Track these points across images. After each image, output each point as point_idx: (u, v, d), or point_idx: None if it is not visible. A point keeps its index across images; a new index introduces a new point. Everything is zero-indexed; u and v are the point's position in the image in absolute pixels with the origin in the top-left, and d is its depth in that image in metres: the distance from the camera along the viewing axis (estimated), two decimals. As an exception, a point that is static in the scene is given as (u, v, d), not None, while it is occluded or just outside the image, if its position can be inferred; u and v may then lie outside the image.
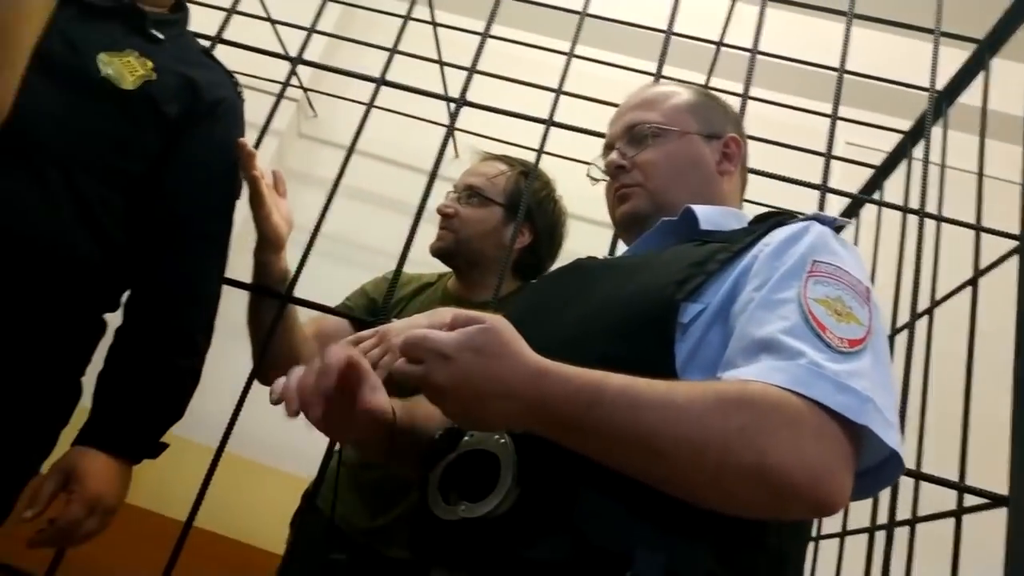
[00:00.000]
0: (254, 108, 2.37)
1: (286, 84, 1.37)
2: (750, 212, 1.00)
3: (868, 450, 0.67)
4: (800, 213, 0.90)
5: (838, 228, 0.84)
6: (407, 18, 1.39)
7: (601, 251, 1.20)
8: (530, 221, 1.45)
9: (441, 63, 2.21)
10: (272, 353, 1.26)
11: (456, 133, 2.28)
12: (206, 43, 1.39)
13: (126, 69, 1.06)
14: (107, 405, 1.07)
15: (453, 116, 1.34)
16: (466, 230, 1.44)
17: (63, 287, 1.04)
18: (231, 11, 1.42)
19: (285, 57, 1.45)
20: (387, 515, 1.33)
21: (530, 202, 1.35)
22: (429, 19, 2.06)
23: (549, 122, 1.32)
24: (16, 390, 1.00)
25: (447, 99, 1.42)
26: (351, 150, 1.32)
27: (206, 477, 1.19)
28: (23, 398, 1.01)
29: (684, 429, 0.62)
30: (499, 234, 1.41)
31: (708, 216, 0.92)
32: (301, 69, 2.46)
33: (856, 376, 0.66)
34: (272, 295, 1.25)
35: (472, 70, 1.35)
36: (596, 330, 0.78)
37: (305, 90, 2.55)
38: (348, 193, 2.25)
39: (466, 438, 0.75)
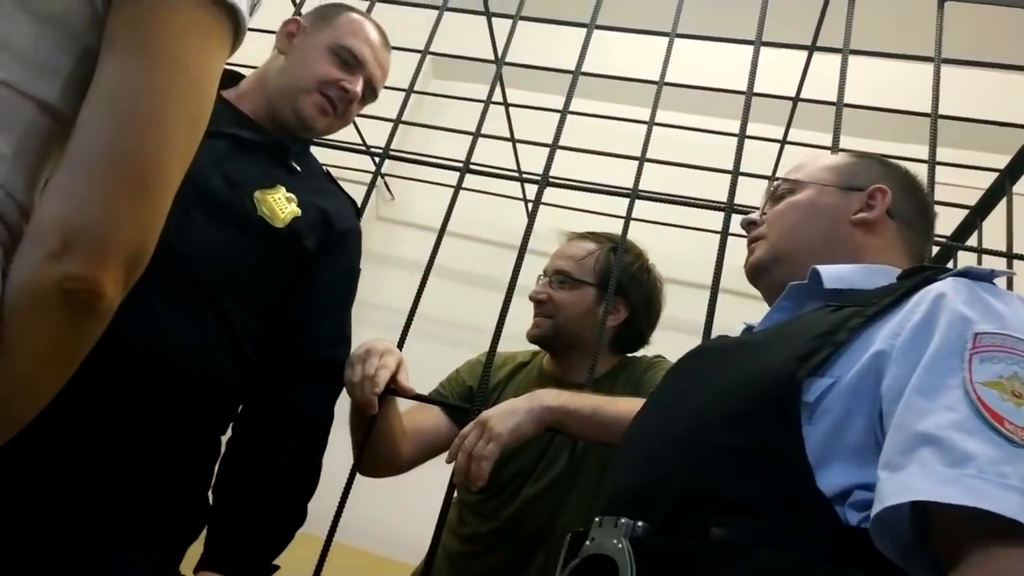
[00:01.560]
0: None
1: (375, 178, 1.42)
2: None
3: None
4: (949, 268, 0.80)
5: (994, 279, 0.73)
6: (488, 102, 1.43)
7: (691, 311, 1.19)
8: (623, 295, 1.44)
9: (514, 141, 2.25)
10: (371, 449, 1.27)
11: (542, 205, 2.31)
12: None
13: (277, 207, 1.11)
14: (230, 528, 1.08)
15: (538, 194, 1.35)
16: (561, 314, 1.44)
17: (209, 411, 1.07)
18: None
19: (374, 153, 1.51)
20: None
21: (621, 277, 1.35)
22: (502, 100, 2.11)
23: (635, 193, 1.32)
24: (153, 510, 1.01)
25: (531, 180, 1.44)
26: (442, 233, 1.35)
27: (317, 567, 1.19)
28: (160, 518, 1.02)
29: None
30: (594, 314, 1.40)
31: (838, 275, 0.84)
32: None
33: None
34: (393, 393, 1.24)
35: (555, 145, 1.37)
36: (713, 418, 0.73)
37: (383, 176, 2.64)
38: (433, 272, 2.29)
39: (587, 543, 0.73)
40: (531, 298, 1.47)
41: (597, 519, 0.73)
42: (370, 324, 1.51)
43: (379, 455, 1.32)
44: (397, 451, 1.35)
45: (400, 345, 1.29)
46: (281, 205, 1.12)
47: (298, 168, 1.18)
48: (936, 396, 0.60)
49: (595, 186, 1.38)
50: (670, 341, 1.84)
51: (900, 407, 0.62)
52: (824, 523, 0.61)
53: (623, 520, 0.69)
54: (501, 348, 1.57)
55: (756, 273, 0.96)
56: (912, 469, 0.57)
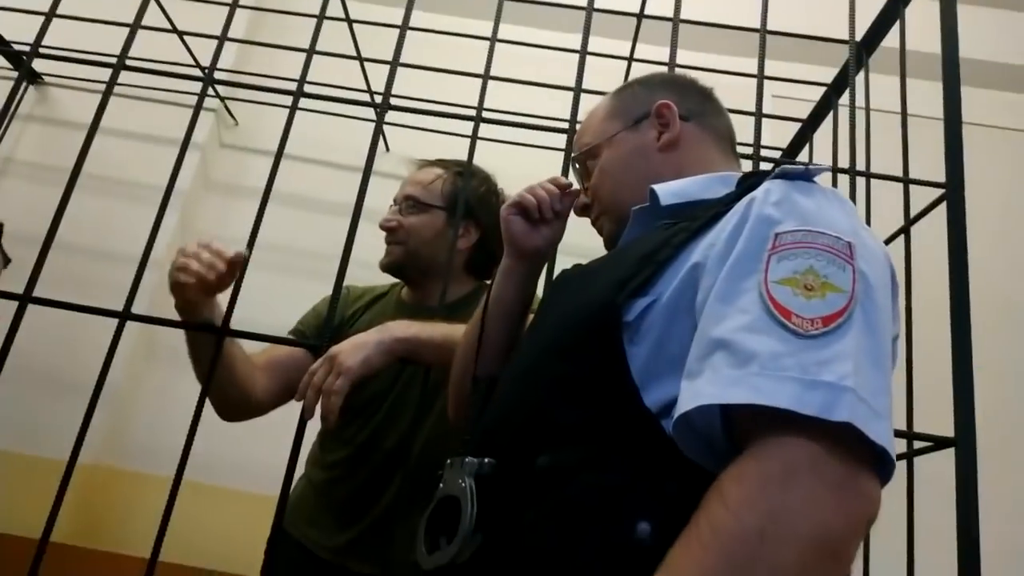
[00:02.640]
0: (170, 122, 2.31)
1: (200, 101, 1.31)
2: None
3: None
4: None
5: (812, 177, 0.73)
6: (321, 17, 1.34)
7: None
8: (473, 218, 1.44)
9: (361, 59, 2.15)
10: (220, 387, 1.24)
11: (386, 127, 2.24)
12: (108, 68, 1.32)
13: None
14: None
15: (379, 118, 1.30)
16: (412, 240, 1.44)
17: None
18: (135, 26, 1.35)
19: (199, 77, 1.39)
20: (353, 529, 1.32)
21: (470, 199, 1.36)
22: (343, 16, 1.99)
23: (478, 118, 1.30)
24: None
25: (373, 104, 1.38)
26: (277, 160, 1.27)
27: (167, 505, 1.15)
28: None
29: None
30: (445, 238, 1.40)
31: (674, 190, 0.84)
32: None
33: (832, 363, 0.56)
34: (208, 330, 1.20)
35: (395, 63, 1.31)
36: (547, 352, 0.75)
37: (222, 99, 2.46)
38: (281, 200, 2.19)
39: (440, 486, 0.74)
40: (381, 226, 1.46)
41: (448, 460, 0.75)
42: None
43: (228, 395, 1.29)
44: (248, 389, 1.31)
45: (241, 277, 1.23)
46: None
47: None
48: (733, 300, 0.62)
49: (438, 108, 1.33)
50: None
51: (703, 316, 0.64)
52: (649, 440, 0.63)
53: (468, 459, 0.71)
54: (358, 280, 1.55)
55: (611, 244, 0.95)
56: (705, 375, 0.59)
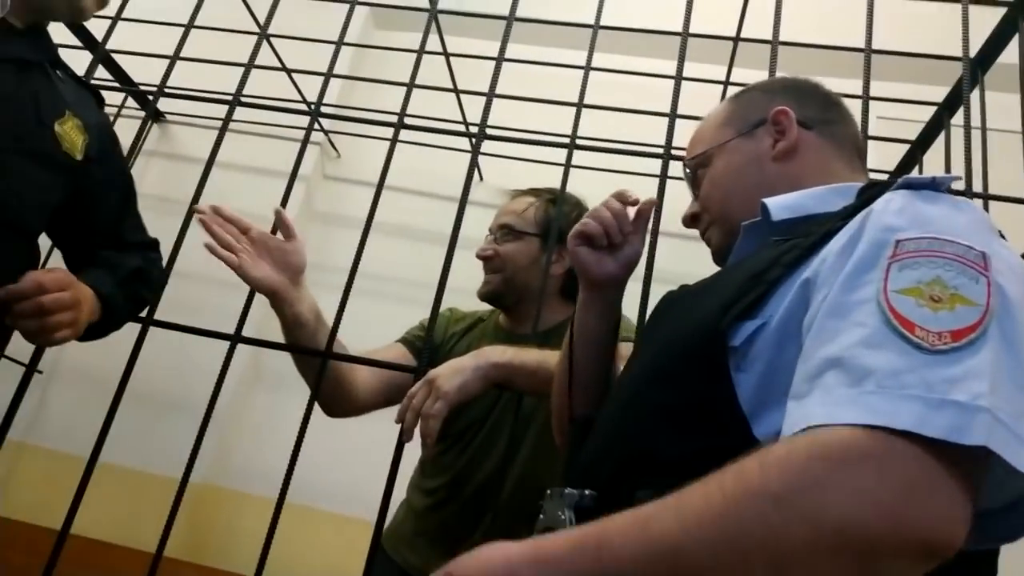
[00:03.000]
0: (278, 156, 2.43)
1: (308, 135, 1.38)
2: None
3: (1001, 477, 0.50)
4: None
5: (940, 187, 0.65)
6: (421, 52, 1.39)
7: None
8: (566, 244, 1.43)
9: (457, 91, 2.21)
10: (326, 385, 1.29)
11: (481, 157, 2.28)
12: (225, 104, 1.40)
13: (74, 138, 1.13)
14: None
15: (475, 148, 1.33)
16: (509, 267, 1.46)
17: None
18: (249, 65, 1.44)
19: (306, 111, 1.46)
20: (449, 557, 1.32)
21: (562, 225, 1.37)
22: (441, 50, 2.06)
23: (572, 144, 1.31)
24: None
25: (468, 135, 1.41)
26: (379, 191, 1.32)
27: (270, 527, 1.19)
28: None
29: (711, 530, 0.49)
30: (540, 264, 1.42)
31: (786, 204, 0.78)
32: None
33: (963, 381, 0.49)
34: (313, 353, 1.25)
35: (491, 95, 1.34)
36: (649, 379, 0.72)
37: (326, 132, 2.57)
38: (382, 230, 2.26)
39: (540, 517, 0.73)
40: (478, 256, 1.49)
41: (548, 491, 0.73)
42: (323, 287, 1.49)
43: (335, 396, 1.35)
44: (353, 390, 1.36)
45: (343, 305, 1.27)
46: (75, 135, 1.13)
47: (60, 76, 1.17)
48: (847, 314, 0.56)
49: (533, 136, 1.35)
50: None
51: (811, 333, 0.58)
52: None
53: (568, 490, 0.69)
54: (458, 304, 1.58)
55: (719, 259, 0.91)
56: (815, 395, 0.54)
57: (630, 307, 1.09)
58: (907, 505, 0.46)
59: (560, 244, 1.40)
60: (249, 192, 2.49)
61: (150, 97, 1.53)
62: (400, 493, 1.39)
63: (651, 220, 1.18)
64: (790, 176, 0.83)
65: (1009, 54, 1.43)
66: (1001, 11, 1.40)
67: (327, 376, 1.27)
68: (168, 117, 2.62)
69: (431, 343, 1.23)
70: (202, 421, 1.23)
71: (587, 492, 0.69)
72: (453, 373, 1.14)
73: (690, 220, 0.94)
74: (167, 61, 1.47)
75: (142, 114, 2.23)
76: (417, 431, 1.11)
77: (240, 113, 1.73)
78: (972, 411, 0.48)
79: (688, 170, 0.95)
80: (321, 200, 2.63)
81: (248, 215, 2.43)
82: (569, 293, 1.49)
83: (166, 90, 1.45)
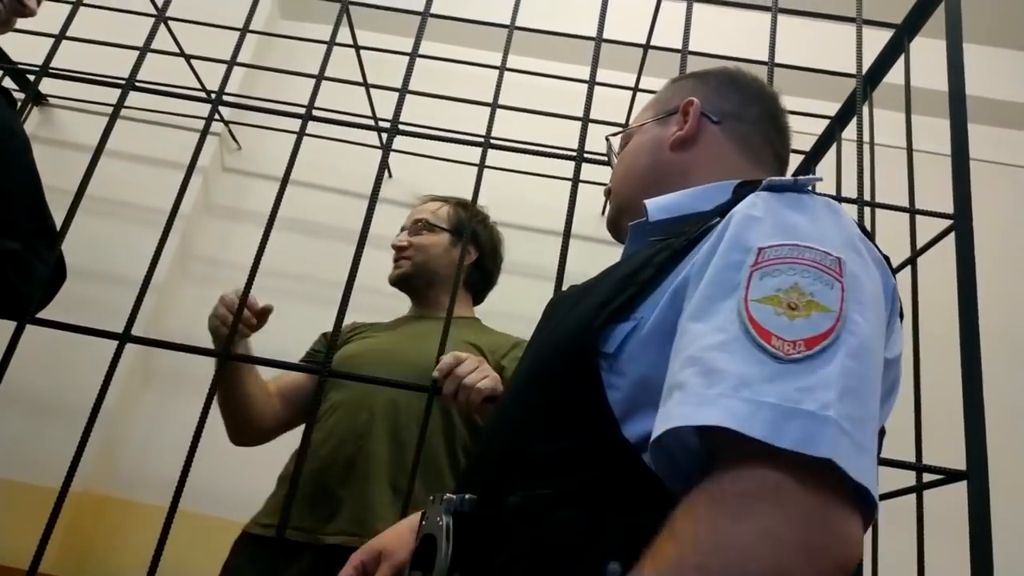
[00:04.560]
0: (174, 146, 2.30)
1: (208, 124, 1.31)
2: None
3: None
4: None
5: (802, 188, 0.66)
6: (331, 43, 1.34)
7: (550, 258, 1.22)
8: (474, 239, 1.60)
9: (368, 86, 2.16)
10: (237, 411, 1.37)
11: (392, 156, 2.23)
12: (117, 88, 1.32)
13: None
14: None
15: (386, 144, 1.29)
16: (420, 255, 1.58)
17: None
18: (145, 49, 1.35)
19: (206, 99, 1.39)
20: (329, 505, 1.32)
21: (473, 223, 1.50)
22: (352, 43, 2.00)
23: (487, 144, 1.29)
24: None
25: (379, 129, 1.37)
26: (283, 186, 1.26)
27: (161, 536, 1.12)
28: None
29: None
30: (450, 255, 1.58)
31: (663, 205, 0.79)
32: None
33: (813, 390, 0.51)
34: (212, 354, 1.25)
35: (404, 90, 1.31)
36: (527, 380, 0.73)
37: (227, 123, 2.46)
38: (286, 226, 2.19)
39: (423, 523, 0.72)
40: (394, 246, 1.60)
41: (432, 497, 0.72)
42: (222, 284, 1.42)
43: (246, 422, 1.39)
44: (264, 417, 1.41)
45: (242, 303, 1.22)
46: None
47: None
48: (710, 318, 0.57)
49: (447, 138, 1.33)
50: (527, 287, 1.87)
51: (677, 336, 0.59)
52: (629, 473, 0.59)
53: (447, 496, 0.68)
54: (362, 304, 1.56)
55: (612, 231, 0.94)
56: (675, 396, 0.55)
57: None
58: (810, 534, 0.48)
59: (471, 241, 1.57)
60: (139, 182, 2.35)
61: (31, 77, 1.42)
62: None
63: (566, 216, 1.20)
64: (680, 166, 0.84)
65: (895, 74, 1.52)
66: (890, 33, 1.49)
67: (242, 404, 1.35)
68: (52, 101, 2.45)
69: (336, 335, 1.20)
70: (85, 425, 1.14)
71: (467, 497, 0.67)
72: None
73: (606, 192, 0.96)
74: (53, 40, 1.36)
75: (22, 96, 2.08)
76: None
77: (134, 99, 1.63)
78: (820, 422, 0.50)
79: (618, 145, 0.97)
80: (220, 193, 2.51)
81: (141, 207, 2.31)
82: (472, 285, 1.65)
83: (51, 70, 1.34)
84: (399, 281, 1.59)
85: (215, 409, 1.24)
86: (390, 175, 2.51)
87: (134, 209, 2.32)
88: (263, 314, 1.31)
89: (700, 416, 0.52)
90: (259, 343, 1.39)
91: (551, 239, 2.26)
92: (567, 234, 1.21)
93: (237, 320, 1.19)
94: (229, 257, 2.40)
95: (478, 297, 1.69)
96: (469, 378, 1.14)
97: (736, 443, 0.51)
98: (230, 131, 2.50)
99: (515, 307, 2.19)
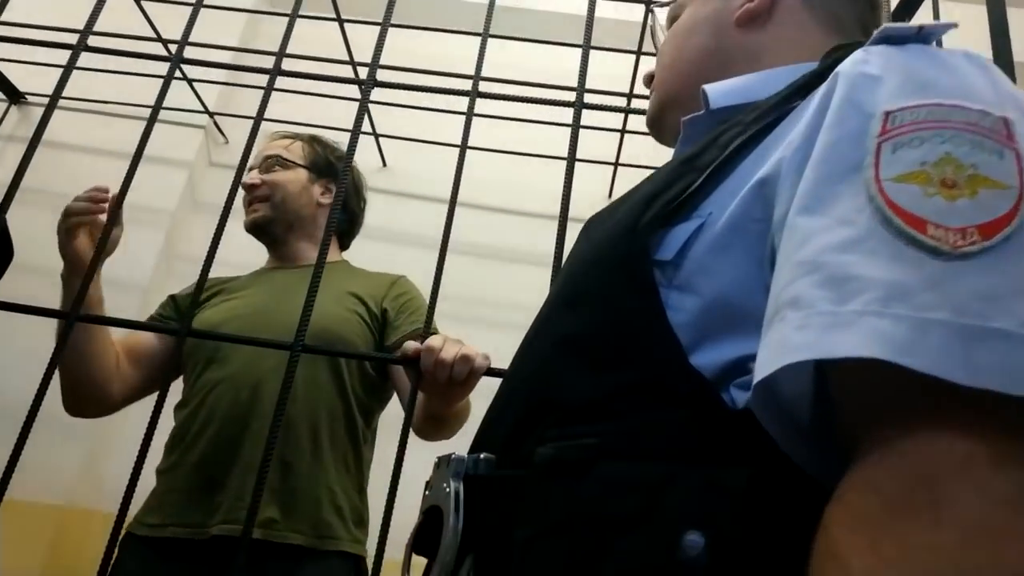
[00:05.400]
0: (158, 140, 2.18)
1: (168, 80, 1.18)
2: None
3: None
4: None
5: (928, 39, 0.47)
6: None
7: (531, 243, 1.07)
8: (333, 176, 1.46)
9: (341, 21, 1.97)
10: (78, 380, 1.22)
11: (373, 108, 2.09)
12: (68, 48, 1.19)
13: None
14: None
15: (364, 95, 1.15)
16: (278, 193, 1.41)
17: None
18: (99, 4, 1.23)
19: (167, 57, 1.25)
20: (214, 495, 1.18)
21: (331, 159, 1.45)
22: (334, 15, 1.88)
23: (475, 89, 1.15)
24: None
25: (358, 81, 1.23)
26: (248, 148, 1.13)
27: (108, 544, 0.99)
28: None
29: None
30: (309, 192, 1.43)
31: (727, 89, 0.62)
32: (206, 94, 2.27)
33: (1002, 298, 0.34)
34: (56, 315, 1.12)
35: (385, 24, 1.16)
36: (556, 308, 0.57)
37: (211, 115, 2.34)
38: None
39: (426, 493, 0.56)
40: (243, 186, 1.40)
41: (436, 460, 0.56)
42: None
43: (83, 384, 1.22)
44: (107, 378, 1.24)
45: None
46: None
47: None
48: (827, 209, 0.40)
49: (432, 88, 1.19)
50: (524, 275, 1.71)
51: (783, 240, 0.43)
52: (701, 414, 0.44)
53: (455, 455, 0.53)
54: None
55: (654, 131, 0.75)
56: (789, 318, 0.38)
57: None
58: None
59: (329, 177, 1.45)
60: (118, 178, 2.23)
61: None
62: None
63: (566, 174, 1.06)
64: (749, 47, 0.66)
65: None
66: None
67: (84, 372, 1.20)
68: (30, 99, 2.35)
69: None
70: (24, 424, 1.01)
71: (482, 456, 0.52)
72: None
73: (647, 80, 0.76)
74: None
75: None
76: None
77: (108, 92, 1.51)
78: (1017, 341, 0.33)
79: (660, 17, 0.79)
80: (207, 190, 2.39)
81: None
82: (339, 230, 1.48)
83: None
84: (256, 228, 1.41)
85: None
86: (384, 164, 2.39)
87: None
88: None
89: (835, 344, 0.35)
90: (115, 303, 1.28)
91: (549, 224, 2.12)
92: (566, 196, 1.06)
93: (88, 280, 1.09)
94: (218, 255, 2.27)
95: (343, 242, 1.52)
96: (445, 350, 1.01)
97: (895, 386, 0.35)
98: (216, 124, 2.38)
99: (510, 296, 2.07)
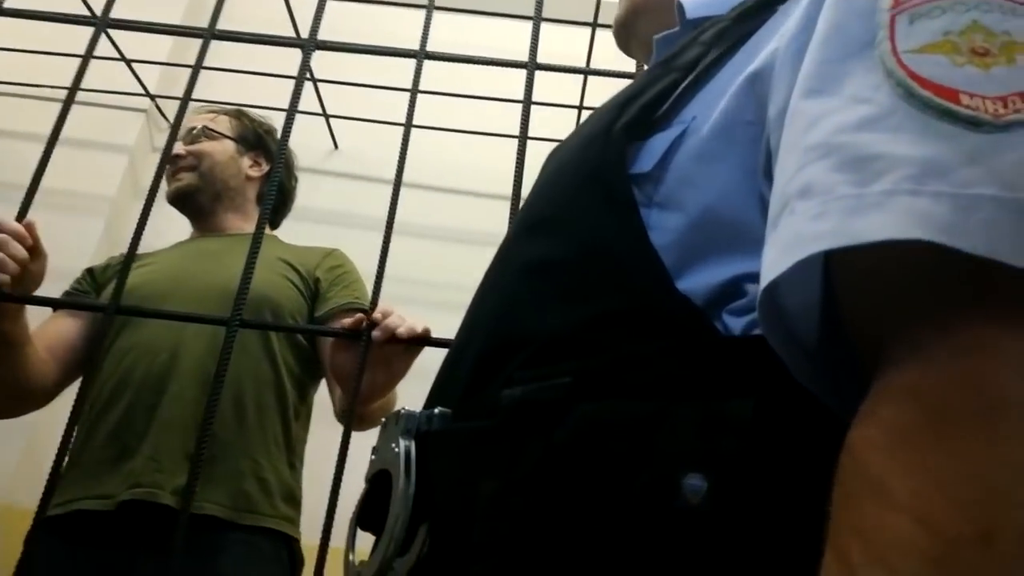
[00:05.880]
0: (93, 127, 2.10)
1: (91, 47, 1.11)
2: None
3: None
4: None
5: None
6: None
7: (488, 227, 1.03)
8: (263, 149, 1.42)
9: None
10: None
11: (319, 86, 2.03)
12: None
13: None
14: None
15: (305, 58, 1.10)
16: (205, 162, 1.35)
17: None
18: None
19: (89, 21, 1.18)
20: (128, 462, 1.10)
21: (259, 131, 1.42)
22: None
23: (421, 53, 1.10)
24: None
25: (297, 44, 1.16)
26: (181, 112, 1.07)
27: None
28: None
29: None
30: (237, 163, 1.39)
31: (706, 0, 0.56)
32: (146, 76, 2.18)
33: None
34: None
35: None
36: (521, 234, 0.51)
37: (152, 97, 2.25)
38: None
39: (372, 457, 0.49)
40: (173, 156, 1.29)
41: (383, 420, 0.49)
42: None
43: (11, 383, 1.12)
44: (36, 374, 1.14)
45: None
46: None
47: None
48: (836, 89, 0.35)
49: (380, 50, 1.14)
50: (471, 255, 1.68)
51: (785, 127, 0.37)
52: (690, 341, 0.38)
53: (404, 410, 0.46)
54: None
55: (620, 39, 0.69)
56: (800, 209, 0.33)
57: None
58: None
59: (257, 149, 1.41)
60: (58, 167, 2.14)
61: None
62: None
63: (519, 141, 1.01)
64: None
65: None
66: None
67: (11, 361, 1.09)
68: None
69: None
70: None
71: (436, 411, 0.45)
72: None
73: None
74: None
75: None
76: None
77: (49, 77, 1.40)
78: None
79: None
80: (149, 175, 2.29)
81: (58, 191, 2.09)
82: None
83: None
84: (180, 197, 1.35)
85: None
86: (336, 146, 2.32)
87: (50, 194, 2.11)
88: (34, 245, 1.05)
89: (861, 229, 0.30)
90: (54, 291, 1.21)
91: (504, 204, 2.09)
92: (521, 160, 1.02)
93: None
94: (162, 244, 2.19)
95: (275, 220, 1.45)
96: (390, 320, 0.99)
97: (933, 274, 0.30)
98: (157, 106, 2.29)
99: (460, 278, 2.02)
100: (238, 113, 1.45)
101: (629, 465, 0.36)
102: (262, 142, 1.42)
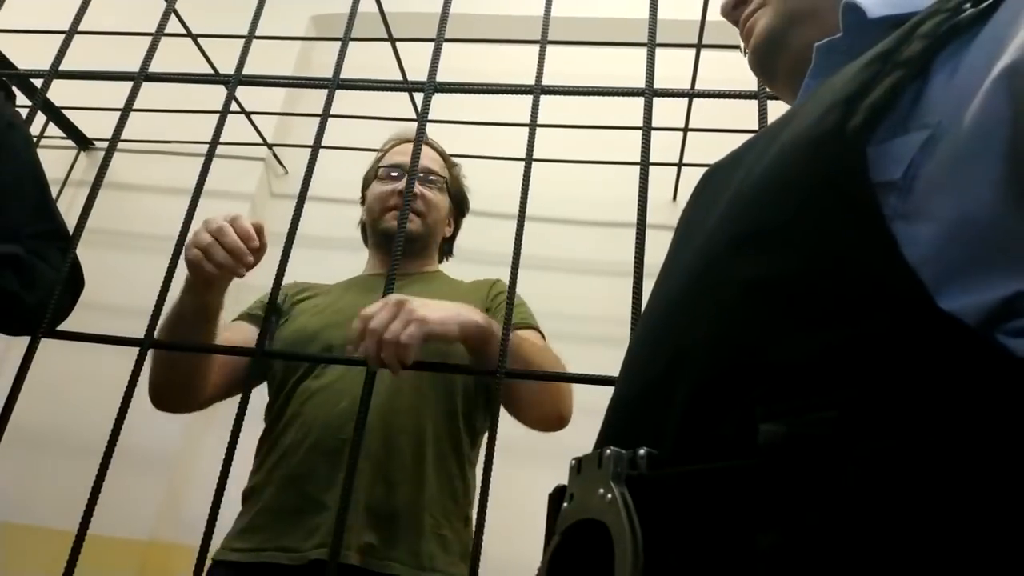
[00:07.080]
0: (220, 175, 2.21)
1: (226, 107, 1.17)
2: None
3: None
4: None
5: None
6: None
7: (570, 252, 1.02)
8: (459, 211, 1.47)
9: (393, 40, 1.99)
10: (178, 371, 1.16)
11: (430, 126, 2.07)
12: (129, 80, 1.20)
13: None
14: None
15: (424, 104, 1.12)
16: (432, 215, 1.36)
17: None
18: (158, 35, 1.23)
19: (222, 80, 1.25)
20: (314, 516, 1.09)
21: (461, 193, 1.46)
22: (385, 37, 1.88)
23: (537, 87, 1.11)
24: None
25: (420, 87, 1.18)
26: (311, 166, 1.12)
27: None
28: None
29: None
30: (446, 221, 1.42)
31: None
32: (264, 126, 2.29)
33: None
34: (129, 343, 1.06)
35: (439, 40, 1.14)
36: (725, 251, 0.44)
37: (270, 146, 2.37)
38: (331, 245, 2.06)
39: (565, 505, 0.44)
40: (411, 193, 1.26)
41: (573, 460, 0.44)
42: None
43: (186, 383, 1.17)
44: (204, 380, 1.18)
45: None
46: None
47: None
48: None
49: (496, 87, 1.14)
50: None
51: None
52: (967, 367, 0.32)
53: (609, 451, 0.40)
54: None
55: (765, 59, 0.61)
56: None
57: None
58: None
59: (458, 211, 1.46)
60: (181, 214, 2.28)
61: (35, 82, 1.32)
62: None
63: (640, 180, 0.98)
64: None
65: None
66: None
67: (183, 367, 1.15)
68: (97, 144, 2.41)
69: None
70: (102, 458, 0.99)
71: (641, 452, 0.39)
72: (437, 306, 0.99)
73: (731, 10, 0.64)
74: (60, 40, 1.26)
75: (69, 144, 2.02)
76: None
77: (170, 132, 1.49)
78: None
79: None
80: (269, 220, 2.40)
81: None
82: (443, 254, 1.49)
83: (60, 71, 1.23)
84: (411, 237, 1.25)
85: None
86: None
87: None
88: (259, 247, 1.11)
89: None
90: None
91: (612, 232, 2.07)
92: (643, 191, 0.99)
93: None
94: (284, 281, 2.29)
95: (441, 257, 1.49)
96: (390, 329, 0.92)
97: None
98: (275, 155, 2.40)
99: (585, 308, 2.01)
100: (443, 154, 1.45)
101: (940, 517, 0.30)
102: (460, 207, 1.46)
